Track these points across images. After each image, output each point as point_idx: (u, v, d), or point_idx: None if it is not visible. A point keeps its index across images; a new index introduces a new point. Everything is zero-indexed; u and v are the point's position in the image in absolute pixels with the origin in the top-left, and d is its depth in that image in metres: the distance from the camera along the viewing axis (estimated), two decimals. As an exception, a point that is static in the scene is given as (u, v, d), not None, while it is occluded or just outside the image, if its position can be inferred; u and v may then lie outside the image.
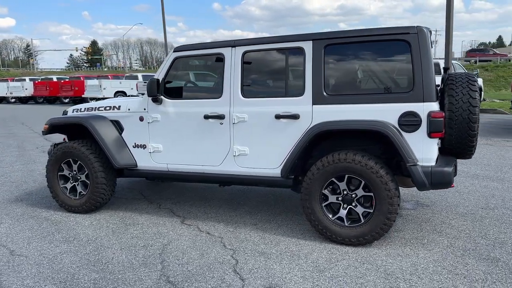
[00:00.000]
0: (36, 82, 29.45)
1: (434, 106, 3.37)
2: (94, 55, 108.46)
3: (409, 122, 3.40)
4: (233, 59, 3.98)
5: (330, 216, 3.66)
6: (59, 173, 4.72)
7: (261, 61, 4.06)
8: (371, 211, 3.52)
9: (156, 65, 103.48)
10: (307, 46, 3.71)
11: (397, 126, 3.42)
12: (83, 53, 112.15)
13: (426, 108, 3.36)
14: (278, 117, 3.79)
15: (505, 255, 3.37)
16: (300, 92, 3.75)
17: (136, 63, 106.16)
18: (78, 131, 4.91)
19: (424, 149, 3.42)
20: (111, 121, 4.57)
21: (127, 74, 28.04)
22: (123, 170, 4.59)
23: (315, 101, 3.67)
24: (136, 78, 25.29)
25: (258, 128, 3.90)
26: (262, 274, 3.14)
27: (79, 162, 4.58)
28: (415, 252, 3.47)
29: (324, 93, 3.64)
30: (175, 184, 5.95)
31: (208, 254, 3.53)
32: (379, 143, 3.73)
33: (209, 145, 4.12)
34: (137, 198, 5.27)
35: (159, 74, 4.27)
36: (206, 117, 4.06)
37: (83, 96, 24.40)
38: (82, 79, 28.07)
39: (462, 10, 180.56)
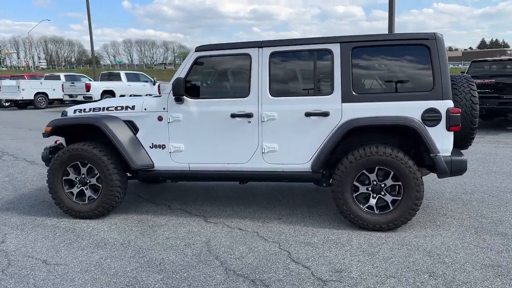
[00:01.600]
0: None
1: (451, 103, 3.84)
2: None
3: (431, 117, 3.83)
4: (260, 60, 4.11)
5: (361, 205, 3.97)
6: (64, 178, 4.44)
7: (288, 62, 4.24)
8: (399, 198, 3.90)
9: (64, 65, 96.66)
10: (335, 48, 3.99)
11: (421, 121, 3.84)
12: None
13: (445, 105, 3.81)
14: (308, 114, 4.01)
15: (509, 230, 3.95)
16: (329, 91, 4.01)
17: (41, 62, 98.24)
18: (79, 133, 4.68)
19: (443, 141, 3.87)
20: (124, 121, 4.43)
21: (47, 74, 25.99)
22: (136, 171, 4.47)
23: (344, 99, 3.96)
24: (58, 78, 23.56)
25: (288, 125, 4.08)
26: (321, 261, 3.34)
27: (88, 165, 4.37)
28: (437, 232, 3.92)
29: (353, 92, 3.94)
30: (170, 185, 5.86)
31: (256, 247, 3.64)
32: (398, 137, 4.12)
33: (236, 143, 4.20)
34: (139, 201, 5.13)
35: (180, 73, 4.25)
36: (233, 115, 4.14)
37: (-4, 97, 22.20)
38: (-8, 79, 25.43)
39: (363, 18, 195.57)
